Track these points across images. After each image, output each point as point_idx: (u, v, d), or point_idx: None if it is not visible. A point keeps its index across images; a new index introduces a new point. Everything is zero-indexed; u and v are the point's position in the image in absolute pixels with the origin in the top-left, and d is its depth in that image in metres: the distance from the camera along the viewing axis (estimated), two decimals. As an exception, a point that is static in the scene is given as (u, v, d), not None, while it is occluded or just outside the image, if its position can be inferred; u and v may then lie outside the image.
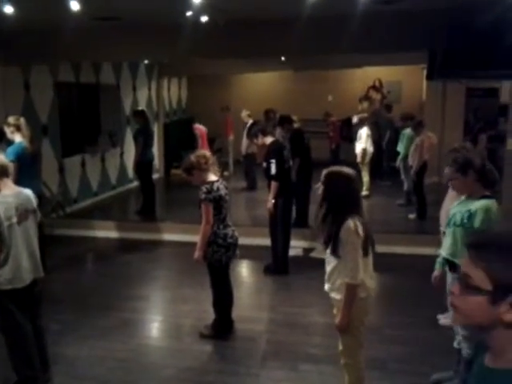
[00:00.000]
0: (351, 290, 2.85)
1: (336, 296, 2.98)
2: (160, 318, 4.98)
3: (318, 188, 2.96)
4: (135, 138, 8.35)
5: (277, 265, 5.80)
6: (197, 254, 4.06)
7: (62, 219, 7.79)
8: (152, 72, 11.41)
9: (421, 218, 7.55)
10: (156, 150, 10.51)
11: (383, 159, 9.97)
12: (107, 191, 9.74)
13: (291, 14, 5.35)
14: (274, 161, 5.49)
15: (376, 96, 11.26)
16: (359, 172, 7.86)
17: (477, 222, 3.07)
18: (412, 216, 7.71)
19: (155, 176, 10.10)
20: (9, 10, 4.81)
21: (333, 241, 2.88)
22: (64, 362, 3.93)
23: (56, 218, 7.71)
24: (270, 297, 5.39)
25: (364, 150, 8.68)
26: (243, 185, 9.98)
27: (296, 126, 7.33)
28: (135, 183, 9.92)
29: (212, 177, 4.10)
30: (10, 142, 5.34)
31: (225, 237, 4.09)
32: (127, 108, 10.37)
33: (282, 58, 8.66)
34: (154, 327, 4.82)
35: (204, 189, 3.99)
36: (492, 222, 3.04)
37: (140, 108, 9.40)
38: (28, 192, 3.43)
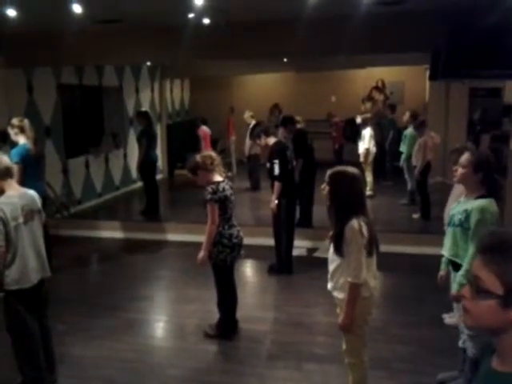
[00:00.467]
0: (354, 290, 2.85)
1: (338, 295, 2.99)
2: (165, 318, 4.99)
3: (324, 189, 2.96)
4: (139, 139, 8.38)
5: (281, 264, 5.81)
6: (201, 254, 4.07)
7: (66, 220, 7.80)
8: (155, 74, 11.45)
9: (424, 217, 7.54)
10: (159, 151, 10.54)
11: (386, 159, 9.96)
12: (111, 192, 9.78)
13: (293, 15, 5.36)
14: (277, 161, 5.50)
15: (379, 96, 11.26)
16: (362, 172, 7.86)
17: (472, 222, 3.07)
18: (416, 216, 7.71)
19: (159, 177, 10.14)
20: (12, 13, 4.84)
21: (336, 239, 2.89)
22: (70, 362, 3.95)
23: (60, 219, 7.71)
24: (274, 296, 5.40)
25: (367, 151, 8.68)
26: (247, 185, 10.00)
27: (300, 126, 7.34)
28: (139, 184, 9.94)
29: (217, 177, 4.12)
30: (14, 144, 5.36)
31: (230, 237, 4.10)
32: (130, 109, 10.41)
33: (285, 60, 8.67)
34: (159, 327, 4.83)
35: (210, 189, 4.00)
36: (488, 222, 3.03)
37: (143, 109, 9.43)
38: (32, 193, 3.45)
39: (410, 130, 8.12)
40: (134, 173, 10.11)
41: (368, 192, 8.35)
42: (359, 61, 9.16)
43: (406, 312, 4.75)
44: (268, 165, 5.66)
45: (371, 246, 2.91)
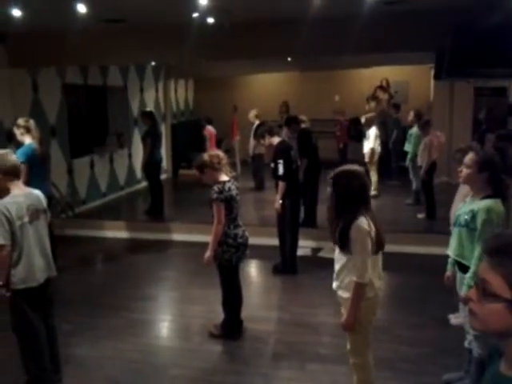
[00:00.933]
0: (359, 289, 2.85)
1: (343, 294, 2.98)
2: (169, 318, 5.00)
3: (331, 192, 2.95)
4: (143, 139, 8.39)
5: (285, 264, 5.80)
6: (208, 254, 4.07)
7: (71, 220, 7.84)
8: (159, 74, 11.46)
9: (430, 217, 7.52)
10: (164, 150, 10.55)
11: (391, 159, 9.94)
12: (116, 192, 9.80)
13: (297, 14, 5.35)
14: (281, 161, 5.50)
15: (383, 96, 11.23)
16: (367, 172, 7.84)
17: (478, 223, 3.05)
18: (421, 215, 7.68)
19: (163, 176, 10.15)
20: (17, 13, 4.86)
21: (342, 238, 2.88)
22: (75, 362, 3.96)
23: (65, 219, 7.76)
24: (278, 296, 5.40)
25: (372, 150, 8.66)
26: (251, 185, 10.00)
27: (304, 125, 7.33)
28: (143, 184, 9.96)
29: (224, 177, 4.12)
30: (20, 144, 5.38)
31: (235, 237, 4.10)
32: (135, 109, 10.42)
33: (289, 59, 8.66)
34: (164, 327, 4.84)
35: (216, 188, 4.01)
36: (494, 223, 3.02)
37: (148, 109, 9.44)
38: (38, 192, 3.46)
39: (415, 130, 8.10)
40: (139, 173, 10.14)
41: (373, 192, 8.34)
42: (363, 60, 9.14)
43: (411, 312, 4.74)
44: (272, 164, 5.65)
45: (377, 245, 2.90)
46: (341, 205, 2.92)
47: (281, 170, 5.50)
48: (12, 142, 5.79)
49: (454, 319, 4.39)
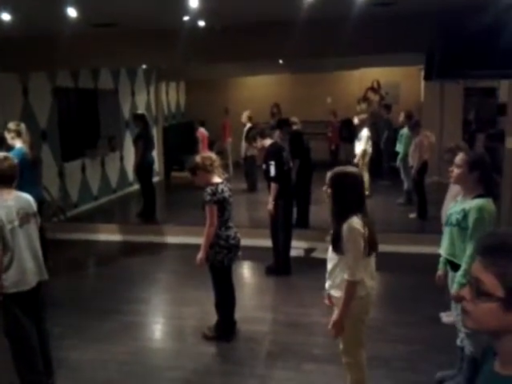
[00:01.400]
0: (350, 288, 2.86)
1: (335, 293, 3.00)
2: (163, 320, 4.99)
3: (326, 191, 2.97)
4: (135, 141, 8.38)
5: (278, 265, 5.81)
6: (200, 255, 4.08)
7: (63, 223, 7.80)
8: (150, 77, 11.45)
9: (421, 217, 7.57)
10: (156, 153, 10.53)
11: (383, 159, 9.99)
12: (107, 195, 9.76)
13: (288, 17, 5.37)
14: (273, 163, 5.51)
15: (374, 97, 11.30)
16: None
17: (470, 222, 3.08)
18: (412, 215, 7.73)
19: (155, 179, 10.13)
20: (6, 17, 4.84)
21: (335, 237, 2.90)
22: (67, 365, 3.94)
23: (57, 223, 7.72)
24: (272, 297, 5.41)
25: (364, 151, 8.70)
26: (244, 187, 10.01)
27: (296, 127, 7.36)
28: (135, 187, 9.94)
29: (216, 178, 4.13)
30: (10, 148, 5.35)
31: (227, 238, 4.11)
32: (126, 112, 10.40)
33: (280, 61, 8.69)
34: (157, 329, 4.83)
35: (209, 190, 4.01)
36: (486, 222, 3.04)
37: (140, 112, 9.42)
38: (27, 196, 3.44)
39: (405, 130, 8.16)
40: (131, 175, 10.12)
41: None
42: (354, 62, 9.18)
43: (404, 311, 4.77)
44: (264, 166, 5.67)
45: (370, 246, 2.92)
46: (336, 205, 2.94)
47: (272, 172, 5.51)
48: (3, 146, 5.75)
49: (446, 317, 4.42)
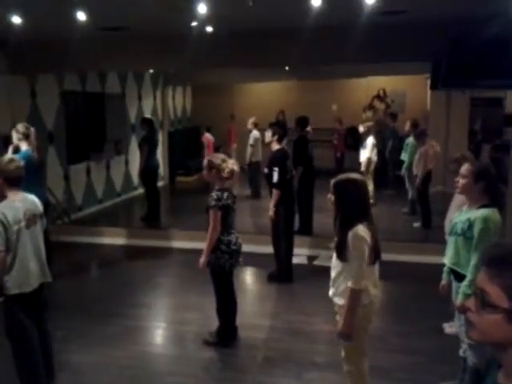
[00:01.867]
0: (354, 296, 2.84)
1: (339, 301, 2.99)
2: (164, 325, 4.99)
3: (330, 198, 2.97)
4: (140, 145, 8.41)
5: (280, 272, 5.80)
6: (202, 259, 4.09)
7: (67, 226, 7.83)
8: (157, 81, 11.50)
9: (425, 226, 7.54)
10: (161, 157, 10.56)
11: (388, 168, 9.98)
12: (112, 198, 9.79)
13: (295, 24, 5.39)
14: (277, 169, 5.51)
15: (380, 105, 11.31)
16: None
17: (475, 232, 3.07)
18: (417, 225, 7.70)
19: (160, 183, 10.16)
20: (17, 20, 4.89)
21: (340, 245, 2.89)
22: (69, 369, 3.93)
23: (61, 225, 7.75)
24: (273, 304, 5.39)
25: (369, 159, 8.69)
26: (247, 193, 10.01)
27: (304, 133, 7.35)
28: (140, 191, 9.96)
29: (224, 184, 4.14)
30: (17, 150, 5.38)
31: (228, 243, 4.11)
32: (132, 116, 10.45)
33: (286, 68, 8.71)
34: (159, 334, 4.83)
35: (214, 195, 4.03)
36: (491, 232, 3.04)
37: (149, 117, 9.41)
38: (34, 197, 3.47)
39: (411, 139, 8.14)
40: (136, 179, 10.15)
41: (369, 200, 8.35)
42: (361, 70, 9.21)
43: (406, 321, 4.74)
44: (266, 170, 5.67)
45: (374, 254, 2.91)
46: (340, 212, 2.93)
47: (275, 178, 5.51)
48: (8, 147, 5.78)
49: (449, 328, 4.40)
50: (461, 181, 3.27)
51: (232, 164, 4.16)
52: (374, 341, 3.83)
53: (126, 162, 10.34)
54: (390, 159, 9.85)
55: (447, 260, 3.35)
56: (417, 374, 3.83)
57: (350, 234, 2.83)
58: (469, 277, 3.06)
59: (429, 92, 10.11)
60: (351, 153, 10.88)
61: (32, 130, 5.42)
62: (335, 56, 6.06)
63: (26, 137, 5.32)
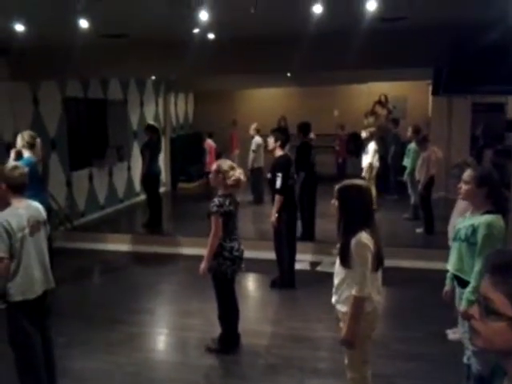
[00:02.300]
0: (357, 303, 2.83)
1: (342, 308, 2.97)
2: (167, 332, 4.98)
3: (334, 204, 2.96)
4: (142, 151, 8.43)
5: (283, 279, 5.79)
6: (203, 265, 4.08)
7: (69, 232, 7.84)
8: (159, 88, 11.54)
9: (428, 232, 7.52)
10: (163, 163, 10.58)
11: (390, 173, 9.97)
12: (114, 205, 9.80)
13: (296, 30, 5.41)
14: (280, 175, 5.51)
15: (381, 111, 11.31)
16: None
17: (479, 238, 3.06)
18: (419, 230, 7.69)
19: (162, 190, 10.17)
20: (20, 27, 4.92)
21: (343, 252, 2.89)
22: (71, 375, 3.92)
23: (63, 231, 7.76)
24: (276, 311, 5.38)
25: (370, 165, 8.69)
26: (250, 199, 10.01)
27: (311, 136, 7.37)
28: (142, 197, 9.97)
29: (227, 190, 4.13)
30: (19, 155, 5.36)
31: (231, 250, 4.11)
32: (134, 123, 10.48)
33: (288, 74, 8.74)
34: (161, 341, 4.82)
35: (216, 201, 4.03)
36: (495, 238, 3.03)
37: (156, 124, 9.39)
38: (37, 204, 3.47)
39: (413, 145, 8.15)
40: (138, 186, 10.16)
41: (371, 206, 8.33)
42: (362, 76, 9.22)
43: (409, 327, 4.72)
44: (269, 175, 5.67)
45: (377, 261, 2.90)
46: (343, 218, 2.93)
47: (278, 184, 5.51)
48: (10, 152, 5.77)
49: (452, 334, 4.37)
50: (463, 187, 3.26)
51: (239, 173, 4.14)
52: (377, 347, 3.81)
53: (128, 169, 10.36)
54: (392, 165, 9.84)
55: (451, 266, 3.34)
56: (420, 380, 3.81)
57: (353, 242, 2.82)
58: (472, 283, 3.04)
59: (430, 98, 10.12)
60: (353, 159, 10.89)
61: (38, 140, 5.40)
62: (336, 62, 6.08)
63: (30, 146, 5.31)
